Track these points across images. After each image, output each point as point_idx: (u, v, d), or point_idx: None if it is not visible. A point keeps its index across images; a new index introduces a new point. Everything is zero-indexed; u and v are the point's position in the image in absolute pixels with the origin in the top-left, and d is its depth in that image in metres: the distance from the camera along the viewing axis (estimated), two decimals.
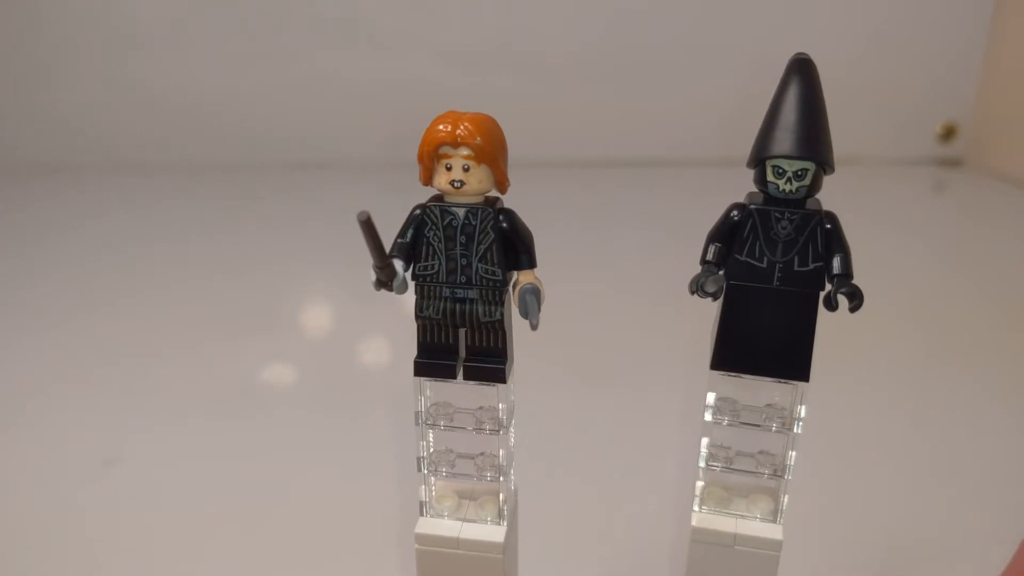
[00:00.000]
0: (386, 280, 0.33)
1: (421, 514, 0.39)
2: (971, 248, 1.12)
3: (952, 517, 0.56)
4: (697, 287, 0.34)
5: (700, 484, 0.39)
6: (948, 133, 1.43)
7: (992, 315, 0.88)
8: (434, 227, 0.34)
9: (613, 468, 0.61)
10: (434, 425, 0.38)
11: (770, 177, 0.33)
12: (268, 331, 0.84)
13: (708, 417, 0.38)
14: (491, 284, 0.34)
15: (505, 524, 0.38)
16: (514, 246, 0.34)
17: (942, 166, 1.43)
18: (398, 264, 0.34)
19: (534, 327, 0.33)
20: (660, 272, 0.92)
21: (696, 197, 1.14)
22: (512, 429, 0.38)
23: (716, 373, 0.37)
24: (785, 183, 0.33)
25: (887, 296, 0.91)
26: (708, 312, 0.37)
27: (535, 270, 0.35)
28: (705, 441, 0.38)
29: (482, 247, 0.34)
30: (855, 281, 0.34)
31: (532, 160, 1.34)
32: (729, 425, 0.38)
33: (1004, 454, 0.63)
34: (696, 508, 0.39)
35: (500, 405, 0.37)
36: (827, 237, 0.34)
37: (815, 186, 0.33)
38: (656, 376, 0.73)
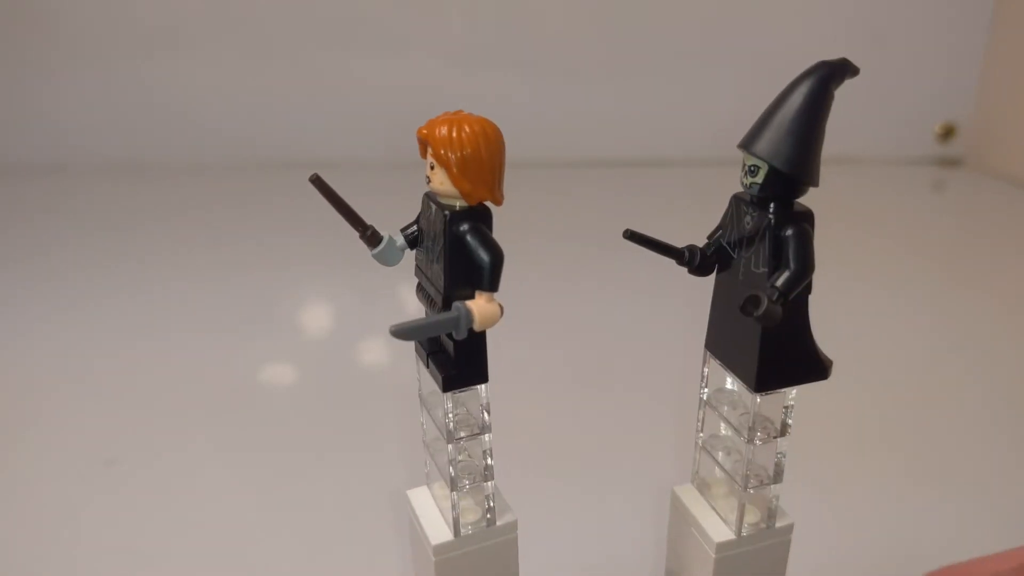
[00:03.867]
0: (369, 246, 0.34)
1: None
2: (970, 248, 1.12)
3: (949, 520, 0.56)
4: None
5: (696, 459, 0.40)
6: (947, 133, 1.43)
7: (991, 315, 0.88)
8: (424, 216, 0.35)
9: (611, 463, 0.61)
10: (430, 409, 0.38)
11: (741, 169, 0.33)
12: (268, 330, 0.84)
13: (704, 395, 0.38)
14: (437, 289, 0.33)
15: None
16: (470, 260, 0.32)
17: (941, 166, 1.43)
18: (390, 235, 0.35)
19: (391, 330, 0.30)
20: (659, 271, 0.92)
21: (696, 197, 1.14)
22: (485, 439, 0.36)
23: (709, 355, 0.37)
24: (744, 175, 0.33)
25: (885, 296, 0.91)
26: (705, 309, 0.37)
27: (493, 294, 0.32)
28: (700, 415, 0.39)
29: (438, 248, 0.33)
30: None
31: (532, 160, 1.35)
32: (721, 416, 0.38)
33: (1003, 455, 0.63)
34: (691, 483, 0.40)
35: (448, 413, 0.35)
36: (777, 244, 0.32)
37: (771, 188, 0.32)
38: (655, 375, 0.73)
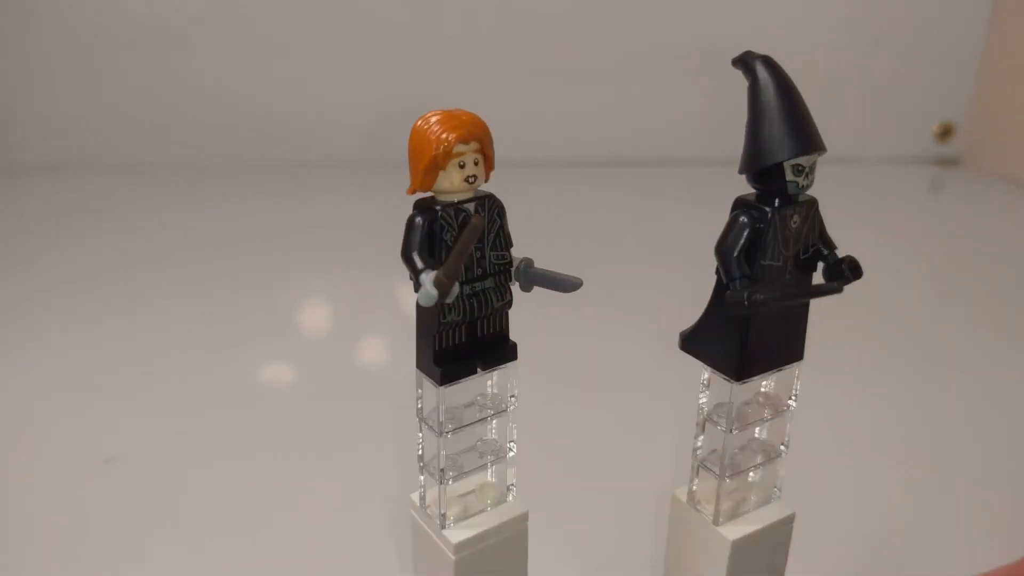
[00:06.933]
0: (444, 289, 0.31)
1: (442, 527, 0.38)
2: (968, 247, 1.12)
3: (945, 513, 0.56)
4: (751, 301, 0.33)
5: (696, 480, 0.40)
6: (945, 132, 1.43)
7: (988, 314, 0.88)
8: (450, 229, 0.34)
9: (611, 464, 0.61)
10: (453, 431, 0.37)
11: (790, 176, 0.33)
12: (267, 330, 0.84)
13: (703, 416, 0.38)
14: (502, 269, 0.35)
15: (515, 499, 0.40)
16: (504, 228, 0.35)
17: (939, 165, 1.43)
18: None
19: (579, 283, 0.35)
20: (658, 270, 0.92)
21: (696, 197, 1.14)
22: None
23: (720, 379, 0.37)
24: (804, 179, 0.34)
25: (883, 295, 0.91)
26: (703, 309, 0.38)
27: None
28: (701, 439, 0.39)
29: (491, 235, 0.35)
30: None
31: (531, 160, 1.35)
32: (731, 431, 0.38)
33: (999, 454, 0.63)
34: (684, 498, 0.40)
35: (510, 382, 0.38)
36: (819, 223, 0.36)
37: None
38: (655, 373, 0.73)
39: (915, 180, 1.38)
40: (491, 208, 0.34)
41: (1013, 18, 1.34)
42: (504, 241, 0.35)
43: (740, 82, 0.35)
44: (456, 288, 0.32)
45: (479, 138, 0.33)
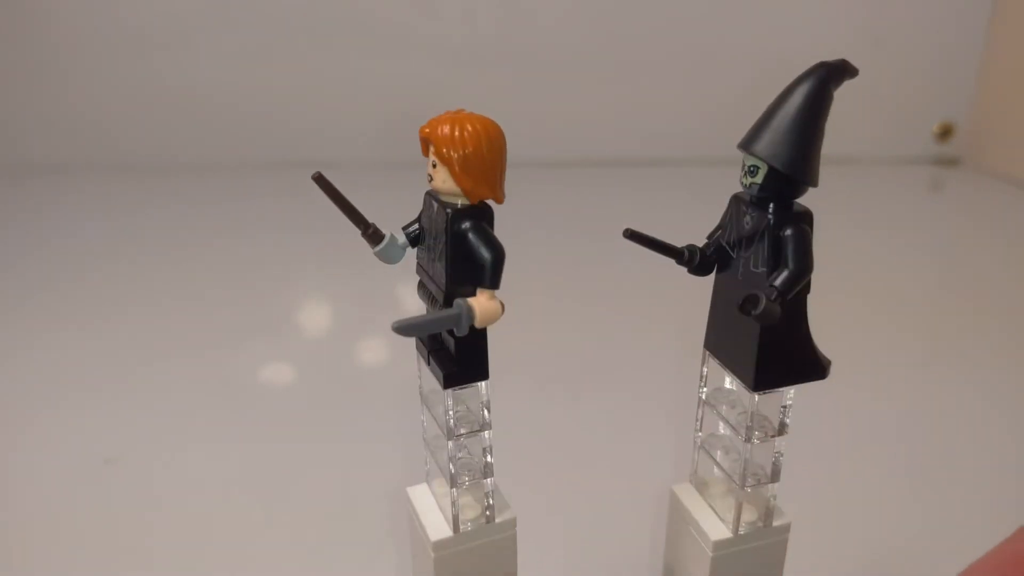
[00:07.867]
0: (371, 244, 0.34)
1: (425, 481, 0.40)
2: (967, 247, 1.12)
3: (946, 514, 0.57)
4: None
5: (694, 458, 0.40)
6: (945, 132, 1.43)
7: (988, 314, 0.88)
8: (425, 214, 0.35)
9: (610, 462, 0.61)
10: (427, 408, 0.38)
11: (742, 171, 0.33)
12: (268, 329, 0.84)
13: (702, 394, 0.39)
14: (439, 286, 0.33)
15: (457, 526, 0.37)
16: (472, 258, 0.33)
17: (939, 165, 1.44)
18: (392, 234, 0.35)
19: (393, 326, 0.30)
20: (659, 271, 0.92)
21: (696, 197, 1.14)
22: (485, 436, 0.37)
23: (708, 355, 0.38)
24: (744, 175, 0.33)
25: (883, 295, 0.92)
26: (703, 310, 0.38)
27: (494, 292, 0.33)
28: (699, 413, 0.39)
29: (439, 246, 0.33)
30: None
31: (532, 160, 1.35)
32: (719, 415, 0.38)
33: (998, 454, 0.63)
34: (690, 482, 0.40)
35: (448, 410, 0.35)
36: (776, 244, 0.32)
37: (771, 188, 0.32)
38: (655, 374, 0.73)
39: (915, 180, 1.38)
40: (439, 217, 0.33)
41: (1013, 18, 1.34)
42: (447, 262, 0.32)
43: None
44: (383, 243, 0.34)
45: (435, 145, 0.32)
